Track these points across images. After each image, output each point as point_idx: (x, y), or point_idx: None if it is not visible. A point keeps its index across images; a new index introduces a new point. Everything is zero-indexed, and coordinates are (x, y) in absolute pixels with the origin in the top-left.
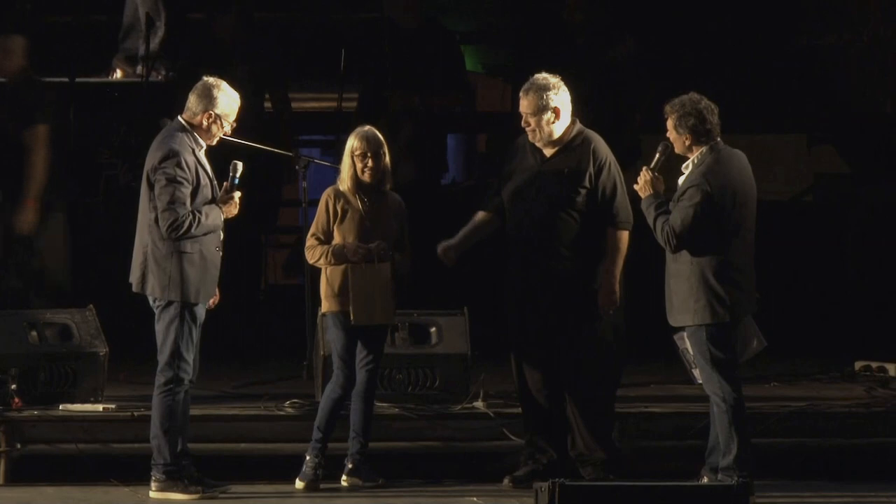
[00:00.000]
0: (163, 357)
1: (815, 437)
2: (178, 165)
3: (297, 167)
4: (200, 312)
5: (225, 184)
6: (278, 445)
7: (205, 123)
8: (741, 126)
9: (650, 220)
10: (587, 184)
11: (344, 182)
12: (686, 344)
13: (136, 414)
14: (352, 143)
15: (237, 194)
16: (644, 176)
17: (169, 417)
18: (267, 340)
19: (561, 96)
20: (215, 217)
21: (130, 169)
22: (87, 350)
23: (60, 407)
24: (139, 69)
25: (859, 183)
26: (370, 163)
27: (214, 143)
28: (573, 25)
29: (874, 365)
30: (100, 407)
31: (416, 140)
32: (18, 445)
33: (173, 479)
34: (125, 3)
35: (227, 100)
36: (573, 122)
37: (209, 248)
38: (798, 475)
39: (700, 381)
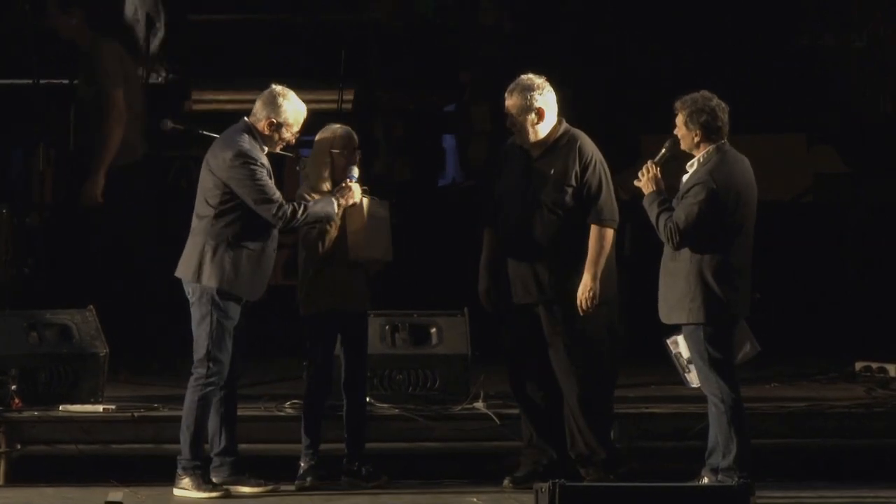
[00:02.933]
0: (197, 353)
1: (815, 437)
2: (253, 160)
3: (297, 168)
4: (236, 311)
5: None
6: (278, 446)
7: (267, 130)
8: (741, 126)
9: (652, 217)
10: (573, 182)
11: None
12: (679, 348)
13: (135, 415)
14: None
15: (356, 186)
16: (648, 171)
17: (191, 413)
18: (267, 341)
19: (545, 96)
20: (325, 205)
21: None
22: (87, 351)
23: (60, 407)
24: (139, 70)
25: (859, 183)
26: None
27: (277, 150)
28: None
29: (874, 365)
30: (100, 408)
31: (408, 140)
32: (18, 446)
33: (188, 475)
34: (123, 4)
35: (292, 109)
36: (559, 122)
37: (271, 246)
38: (798, 475)
39: (693, 386)
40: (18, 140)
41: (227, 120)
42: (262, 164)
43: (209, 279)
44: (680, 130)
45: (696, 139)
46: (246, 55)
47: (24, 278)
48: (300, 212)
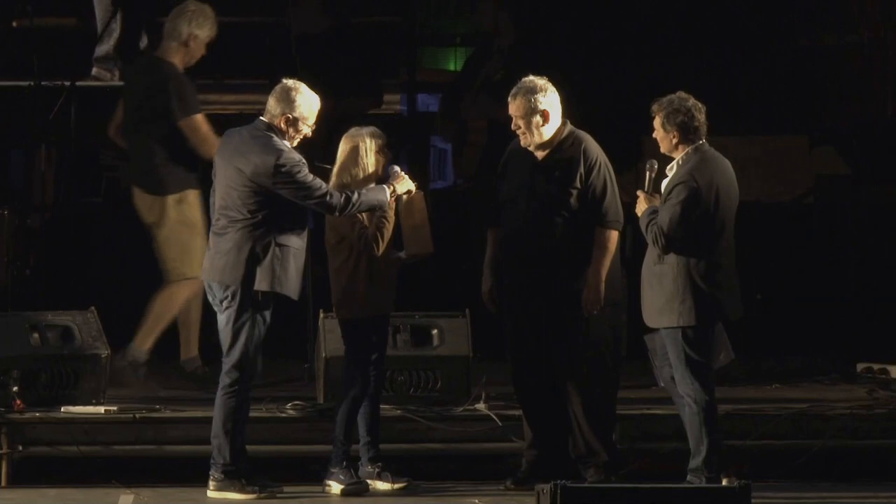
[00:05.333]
0: (231, 357)
1: (816, 438)
2: (295, 162)
3: None
4: (269, 315)
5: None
6: (280, 447)
7: (284, 127)
8: (742, 127)
9: (643, 227)
10: (578, 184)
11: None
12: (655, 344)
13: (137, 416)
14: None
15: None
16: (640, 199)
17: (231, 418)
18: (268, 342)
19: (549, 98)
20: (377, 192)
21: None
22: (88, 352)
23: (62, 409)
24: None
25: (860, 184)
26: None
27: (296, 144)
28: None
29: (876, 366)
30: (101, 409)
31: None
32: (20, 447)
33: (231, 479)
34: (94, 10)
35: (307, 102)
36: (564, 124)
37: (304, 244)
38: (799, 476)
39: (663, 385)
40: (19, 141)
41: (228, 122)
42: (302, 161)
43: (260, 283)
44: (658, 133)
45: (675, 140)
46: (245, 56)
47: (25, 280)
48: (354, 198)
